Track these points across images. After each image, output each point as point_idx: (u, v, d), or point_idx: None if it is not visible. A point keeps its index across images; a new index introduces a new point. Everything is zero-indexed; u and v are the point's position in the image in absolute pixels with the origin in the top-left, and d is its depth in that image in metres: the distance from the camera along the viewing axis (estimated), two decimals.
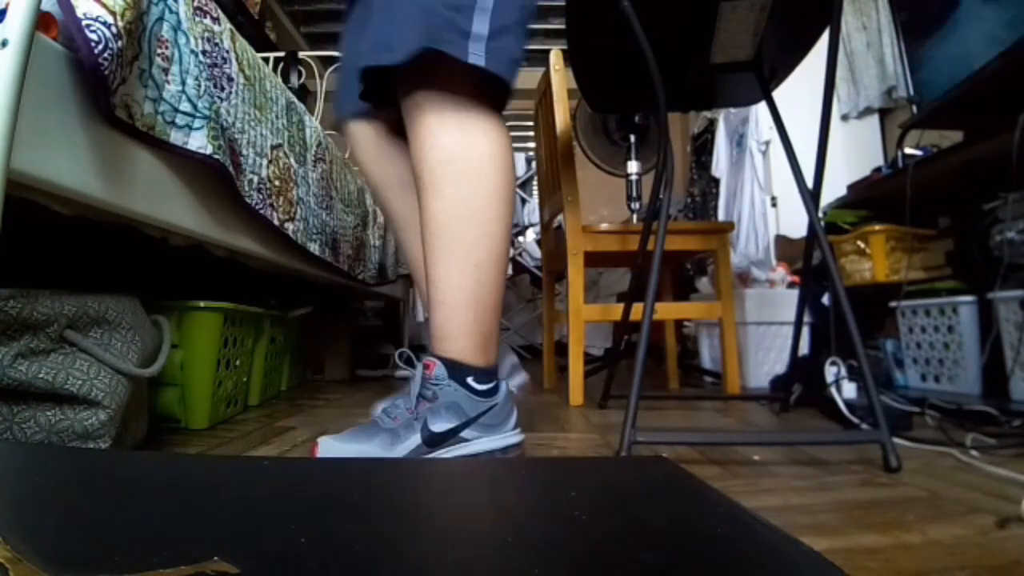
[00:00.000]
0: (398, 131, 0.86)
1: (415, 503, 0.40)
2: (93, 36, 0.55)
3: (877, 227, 1.51)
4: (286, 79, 2.39)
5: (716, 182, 2.82)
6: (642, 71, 0.83)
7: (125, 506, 0.36)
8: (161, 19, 0.69)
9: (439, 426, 0.71)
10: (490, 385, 0.75)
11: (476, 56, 0.69)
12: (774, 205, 2.36)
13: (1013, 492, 0.55)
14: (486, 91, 0.73)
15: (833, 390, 1.00)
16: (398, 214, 0.99)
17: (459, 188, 0.73)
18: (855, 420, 0.94)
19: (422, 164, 0.74)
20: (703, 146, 3.11)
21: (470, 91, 0.72)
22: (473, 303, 0.74)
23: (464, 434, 0.72)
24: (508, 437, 0.75)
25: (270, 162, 0.99)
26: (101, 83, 0.58)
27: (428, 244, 0.75)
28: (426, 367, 0.73)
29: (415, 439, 0.70)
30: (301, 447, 0.82)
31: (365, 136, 0.96)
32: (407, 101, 0.74)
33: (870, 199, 1.60)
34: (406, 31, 0.68)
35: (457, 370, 0.73)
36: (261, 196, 0.95)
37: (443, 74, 0.71)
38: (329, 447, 0.69)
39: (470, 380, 0.73)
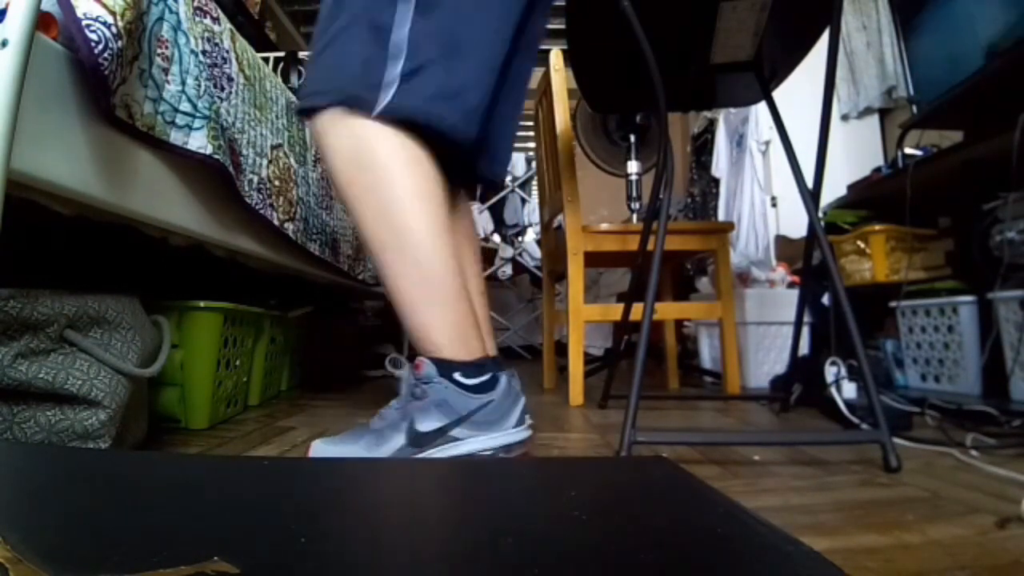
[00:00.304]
0: None
1: (415, 503, 0.40)
2: (93, 36, 0.55)
3: (877, 227, 1.51)
4: (286, 79, 2.39)
5: (716, 182, 2.82)
6: (642, 71, 0.83)
7: (125, 506, 0.36)
8: (161, 19, 0.69)
9: (426, 425, 0.69)
10: (482, 379, 0.72)
11: (383, 103, 0.71)
12: (774, 205, 2.36)
13: (1013, 492, 0.55)
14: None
15: (833, 390, 1.00)
16: None
17: (367, 200, 0.73)
18: (855, 420, 0.94)
19: (335, 186, 0.76)
20: (703, 146, 3.11)
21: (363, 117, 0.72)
22: (430, 300, 0.73)
23: (454, 433, 0.70)
24: (507, 435, 0.73)
25: (270, 162, 0.99)
26: (101, 83, 0.58)
27: (371, 247, 0.75)
28: (416, 366, 0.72)
29: (399, 439, 0.69)
30: (301, 447, 0.82)
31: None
32: (315, 130, 0.76)
33: (870, 199, 1.60)
34: (323, 83, 0.73)
35: (444, 367, 0.71)
36: (261, 196, 0.95)
37: (338, 115, 0.72)
38: (320, 450, 0.69)
39: (457, 375, 0.71)
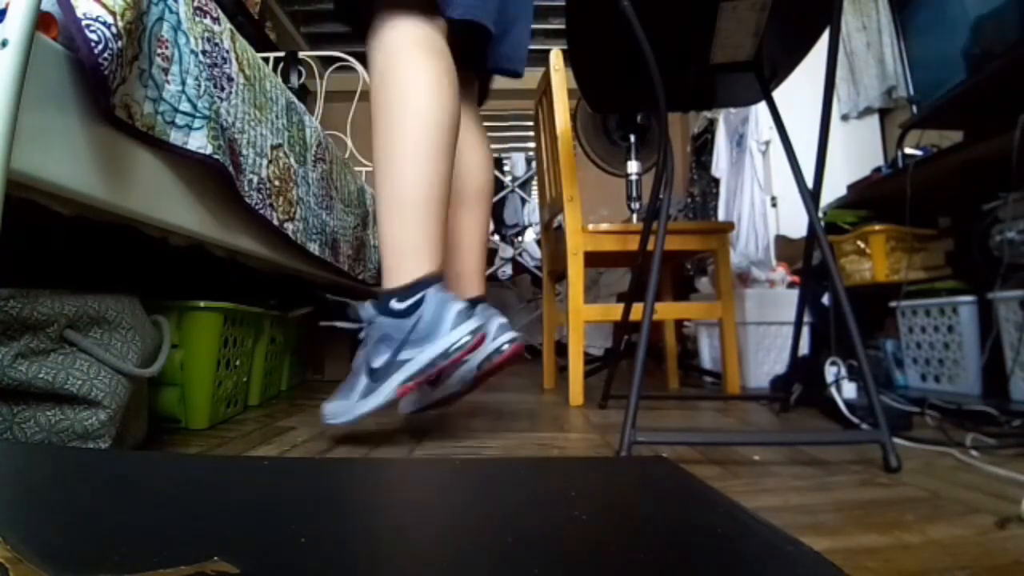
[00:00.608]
0: None
1: (415, 503, 0.40)
2: (93, 36, 0.55)
3: (877, 227, 1.51)
4: (286, 79, 2.39)
5: (716, 182, 2.82)
6: (642, 71, 0.83)
7: (125, 506, 0.36)
8: (161, 19, 0.69)
9: (378, 361, 0.74)
10: (413, 299, 0.74)
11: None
12: (774, 205, 2.36)
13: (1013, 492, 0.55)
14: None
15: (833, 390, 1.00)
16: None
17: (379, 117, 0.78)
18: (855, 420, 0.94)
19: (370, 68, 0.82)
20: (703, 146, 3.11)
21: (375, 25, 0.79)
22: (389, 220, 0.77)
23: (401, 357, 0.74)
24: (449, 337, 0.74)
25: (270, 162, 0.99)
26: (101, 83, 0.58)
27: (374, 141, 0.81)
28: (366, 305, 0.77)
29: (363, 380, 0.75)
30: (301, 447, 0.82)
31: None
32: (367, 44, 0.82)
33: (870, 199, 1.59)
34: None
35: (381, 301, 0.75)
36: (261, 196, 0.95)
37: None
38: (325, 411, 0.79)
39: (392, 303, 0.75)
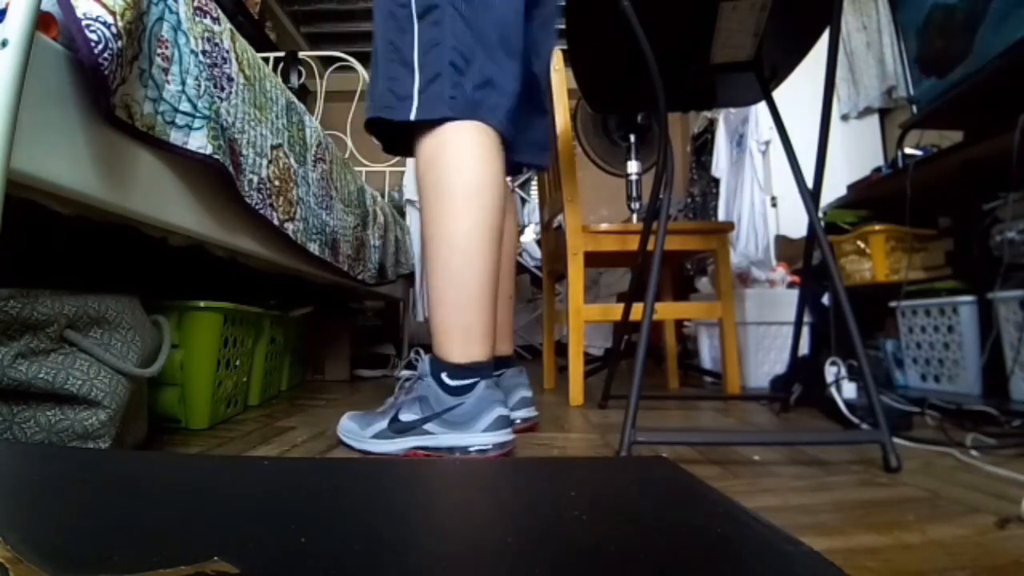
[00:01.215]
0: None
1: (415, 503, 0.40)
2: (93, 36, 0.55)
3: (877, 227, 1.51)
4: (286, 79, 2.39)
5: (716, 182, 2.82)
6: (642, 71, 0.83)
7: (125, 506, 0.36)
8: (161, 19, 0.69)
9: (406, 416, 0.78)
10: (465, 382, 0.77)
11: (412, 112, 0.80)
12: (774, 205, 2.35)
13: (1013, 492, 0.55)
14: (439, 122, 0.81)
15: (833, 390, 1.00)
16: None
17: (426, 199, 0.81)
18: (855, 420, 0.94)
19: (422, 168, 0.84)
20: (703, 146, 3.10)
21: (421, 128, 0.82)
22: (447, 301, 0.79)
23: (428, 427, 0.77)
24: (473, 437, 0.76)
25: (270, 162, 0.99)
26: (101, 83, 0.58)
27: (428, 234, 0.83)
28: (422, 362, 0.81)
29: (382, 424, 0.78)
30: (301, 447, 0.82)
31: None
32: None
33: (870, 199, 1.59)
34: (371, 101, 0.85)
35: (434, 366, 0.79)
36: (261, 196, 0.95)
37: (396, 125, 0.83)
38: (343, 425, 0.83)
39: (443, 376, 0.77)
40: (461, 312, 0.79)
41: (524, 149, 0.98)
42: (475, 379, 0.77)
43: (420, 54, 0.81)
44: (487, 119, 0.81)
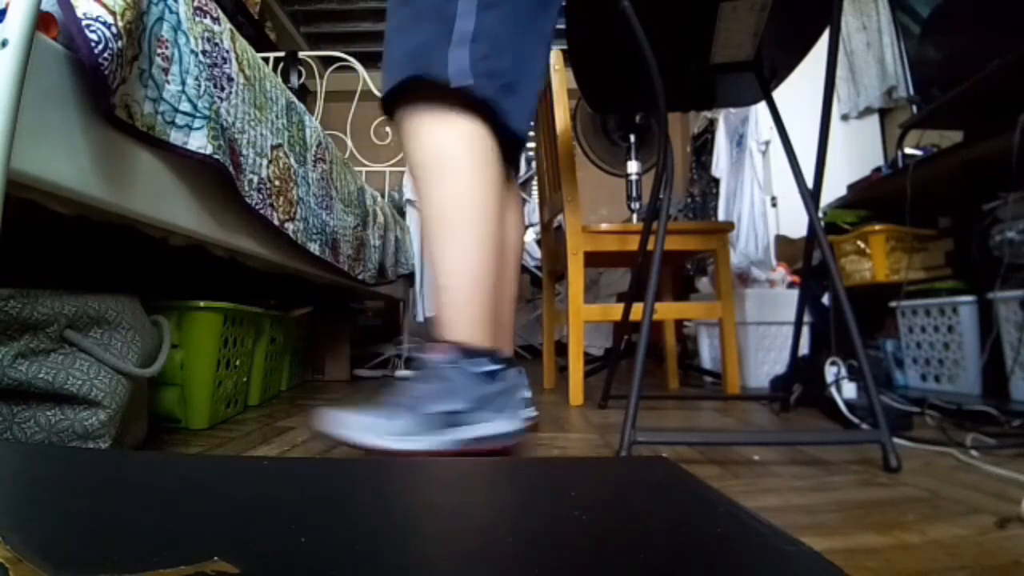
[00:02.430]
0: None
1: (415, 503, 0.40)
2: (93, 36, 0.55)
3: (877, 227, 1.51)
4: (286, 79, 2.39)
5: (716, 182, 2.82)
6: (642, 71, 0.83)
7: (125, 506, 0.36)
8: (161, 19, 0.69)
9: (435, 407, 0.71)
10: (494, 368, 0.76)
11: (459, 79, 0.77)
12: (774, 205, 2.35)
13: (1013, 492, 0.55)
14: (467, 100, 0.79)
15: (833, 390, 1.00)
16: None
17: (433, 196, 0.80)
18: (855, 420, 0.94)
19: (415, 164, 0.82)
20: (703, 146, 3.11)
21: (450, 104, 0.79)
22: (473, 284, 0.78)
23: (462, 418, 0.72)
24: (508, 423, 0.75)
25: (270, 162, 0.99)
26: (101, 83, 0.58)
27: (430, 232, 0.80)
28: (432, 350, 0.75)
29: (407, 419, 0.70)
30: (301, 447, 0.82)
31: None
32: (398, 116, 0.82)
33: (870, 199, 1.60)
34: (393, 64, 0.80)
35: (461, 354, 0.74)
36: (261, 196, 0.95)
37: (424, 94, 0.79)
38: (332, 414, 0.70)
39: (473, 363, 0.74)
40: (488, 298, 0.79)
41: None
42: (504, 365, 0.78)
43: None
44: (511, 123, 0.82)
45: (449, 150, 0.80)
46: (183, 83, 0.72)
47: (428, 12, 0.79)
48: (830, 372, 1.03)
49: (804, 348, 1.43)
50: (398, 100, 0.81)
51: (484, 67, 0.79)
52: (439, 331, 0.78)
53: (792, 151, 0.92)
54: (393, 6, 0.83)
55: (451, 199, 0.79)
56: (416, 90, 0.79)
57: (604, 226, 1.39)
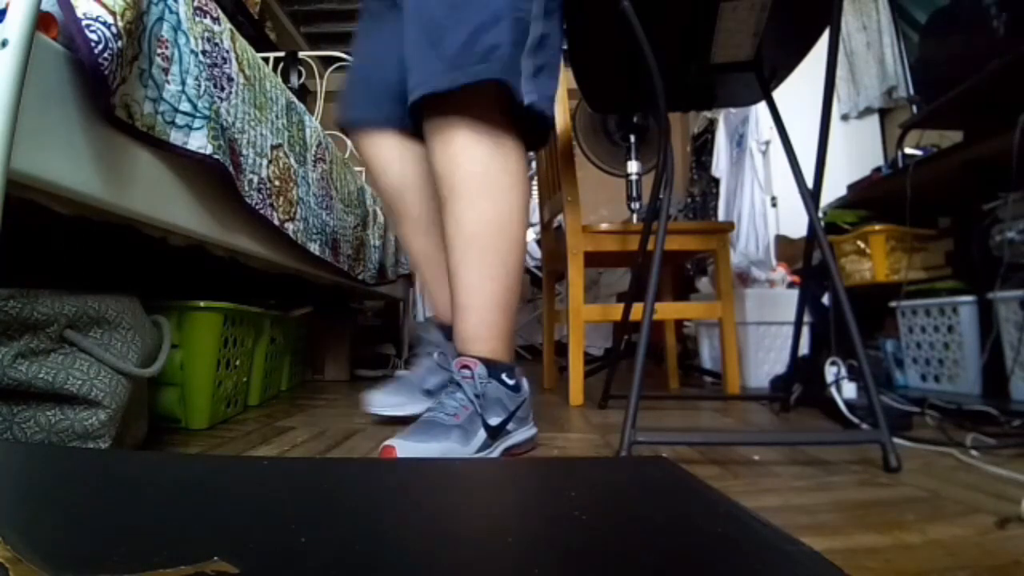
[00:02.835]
0: (417, 133, 0.88)
1: (415, 503, 0.40)
2: (93, 36, 0.55)
3: (877, 227, 1.51)
4: (286, 79, 2.39)
5: (716, 182, 2.82)
6: (642, 71, 0.83)
7: (125, 506, 0.36)
8: (161, 19, 0.69)
9: (493, 420, 0.75)
10: (517, 381, 0.81)
11: (529, 95, 0.76)
12: (774, 205, 2.35)
13: (1013, 492, 0.55)
14: (513, 116, 0.79)
15: (833, 390, 1.00)
16: (422, 215, 1.01)
17: (495, 199, 0.78)
18: (855, 420, 0.94)
19: (455, 174, 0.78)
20: (703, 146, 3.11)
21: (500, 115, 0.78)
22: (503, 306, 0.81)
23: (508, 427, 0.78)
24: (532, 429, 0.84)
25: (270, 162, 0.99)
26: (101, 83, 0.58)
27: (459, 251, 0.79)
28: (466, 367, 0.77)
29: (482, 434, 0.74)
30: (301, 447, 0.82)
31: (389, 141, 0.98)
32: (441, 118, 0.77)
33: (870, 199, 1.59)
34: (463, 59, 0.73)
35: (493, 368, 0.78)
36: (261, 196, 0.95)
37: (483, 100, 0.75)
38: (408, 448, 0.67)
39: (504, 377, 0.79)
40: (513, 318, 0.82)
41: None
42: (519, 377, 0.82)
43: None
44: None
45: (493, 171, 0.77)
46: (183, 83, 0.72)
47: (504, 5, 0.74)
48: (830, 372, 1.03)
49: (804, 348, 1.43)
50: (447, 100, 0.74)
51: (546, 81, 0.77)
52: (462, 346, 0.81)
53: (792, 151, 0.92)
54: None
55: (487, 224, 0.78)
56: (475, 95, 0.73)
57: (604, 226, 1.39)
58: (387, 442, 0.67)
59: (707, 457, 0.76)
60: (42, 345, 0.62)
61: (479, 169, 0.77)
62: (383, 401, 0.97)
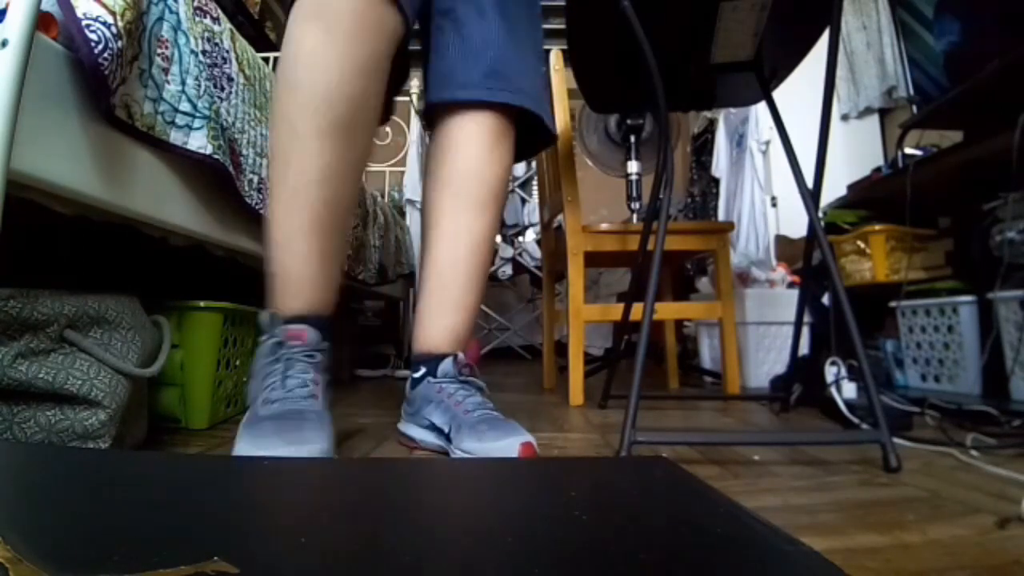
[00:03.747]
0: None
1: (414, 503, 0.40)
2: (93, 36, 0.55)
3: (877, 227, 1.51)
4: None
5: (716, 182, 2.82)
6: (642, 71, 0.83)
7: (125, 506, 0.36)
8: (161, 19, 0.69)
9: None
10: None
11: (552, 127, 0.91)
12: (774, 205, 2.36)
13: (1013, 492, 0.55)
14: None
15: (833, 390, 1.00)
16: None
17: (497, 210, 0.87)
18: (855, 420, 0.94)
19: (499, 176, 0.86)
20: (703, 146, 3.11)
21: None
22: (477, 310, 0.87)
23: None
24: None
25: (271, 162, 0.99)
26: (101, 83, 0.58)
27: (476, 256, 0.85)
28: (467, 366, 0.81)
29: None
30: None
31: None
32: (502, 123, 0.85)
33: (870, 199, 1.60)
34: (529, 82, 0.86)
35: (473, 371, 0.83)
36: (261, 196, 0.95)
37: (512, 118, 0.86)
38: (476, 449, 0.69)
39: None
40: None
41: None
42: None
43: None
44: None
45: (506, 181, 0.89)
46: (183, 83, 0.72)
47: (540, 52, 0.91)
48: (830, 372, 1.03)
49: (804, 348, 1.43)
50: (509, 113, 0.85)
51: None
52: (457, 345, 0.83)
53: (792, 151, 0.92)
54: (535, 18, 0.90)
55: (494, 229, 0.88)
56: (519, 118, 0.86)
57: (604, 226, 1.39)
58: (521, 440, 0.68)
59: (707, 457, 0.76)
60: (42, 345, 0.62)
61: (506, 176, 0.88)
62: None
